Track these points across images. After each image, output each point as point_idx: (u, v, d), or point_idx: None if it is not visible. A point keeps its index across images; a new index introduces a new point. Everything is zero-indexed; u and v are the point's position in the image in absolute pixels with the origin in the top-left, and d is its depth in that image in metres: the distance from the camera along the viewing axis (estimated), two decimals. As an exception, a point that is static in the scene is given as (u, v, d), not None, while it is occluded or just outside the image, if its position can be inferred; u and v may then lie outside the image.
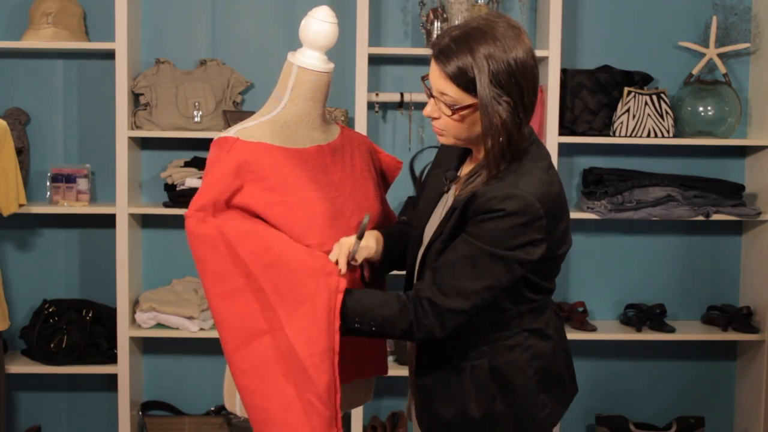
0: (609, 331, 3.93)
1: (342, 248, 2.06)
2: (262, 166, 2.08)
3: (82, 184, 3.80)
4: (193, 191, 3.64)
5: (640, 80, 3.90)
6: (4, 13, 3.88)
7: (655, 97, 3.82)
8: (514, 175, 1.94)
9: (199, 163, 3.77)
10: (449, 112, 1.96)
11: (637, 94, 3.81)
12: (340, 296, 1.97)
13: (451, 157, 2.17)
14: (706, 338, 3.95)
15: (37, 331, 3.74)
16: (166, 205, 3.77)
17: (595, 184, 3.90)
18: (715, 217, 3.84)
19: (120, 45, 3.61)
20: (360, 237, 2.07)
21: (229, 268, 2.00)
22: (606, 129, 3.88)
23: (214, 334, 3.62)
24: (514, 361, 2.04)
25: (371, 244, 2.14)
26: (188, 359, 4.03)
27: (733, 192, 3.90)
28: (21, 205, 3.58)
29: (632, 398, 4.13)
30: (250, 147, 2.09)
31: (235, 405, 2.26)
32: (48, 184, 3.84)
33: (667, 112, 3.84)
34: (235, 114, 3.65)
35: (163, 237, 3.96)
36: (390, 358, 3.81)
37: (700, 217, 3.83)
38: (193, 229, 2.02)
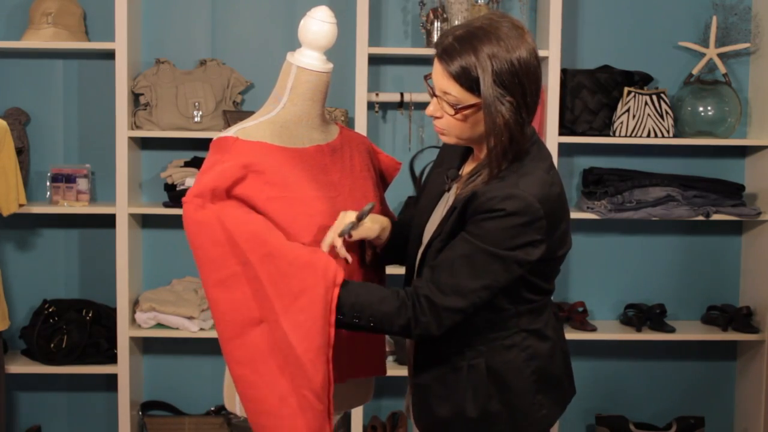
0: (609, 331, 3.93)
1: (339, 220, 2.07)
2: (263, 161, 2.08)
3: (82, 184, 3.80)
4: (193, 191, 3.64)
5: (640, 80, 3.90)
6: (4, 13, 3.88)
7: (655, 97, 3.82)
8: (515, 175, 1.94)
9: (199, 163, 3.77)
10: (452, 112, 1.96)
11: (637, 94, 3.81)
12: (337, 290, 1.96)
13: (453, 155, 2.17)
14: (706, 338, 3.95)
15: (37, 331, 3.75)
16: (166, 205, 3.77)
17: (595, 184, 3.90)
18: (715, 217, 3.84)
19: (120, 45, 3.61)
20: (359, 218, 2.07)
21: (226, 256, 1.98)
22: (606, 129, 3.88)
23: (214, 334, 3.62)
24: (511, 361, 2.04)
25: (373, 226, 2.14)
26: (188, 359, 4.03)
27: (733, 192, 3.90)
28: (21, 205, 3.58)
29: (632, 398, 4.13)
30: (250, 146, 2.09)
31: (235, 405, 2.25)
32: (48, 184, 3.84)
33: (667, 112, 3.84)
34: (235, 114, 3.65)
35: (163, 237, 3.96)
36: (390, 358, 3.81)
37: (700, 217, 3.83)
38: (191, 215, 2.00)
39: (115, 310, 3.78)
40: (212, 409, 3.98)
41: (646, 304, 4.02)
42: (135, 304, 3.81)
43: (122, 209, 3.67)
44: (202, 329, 3.74)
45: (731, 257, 4.09)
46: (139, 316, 3.76)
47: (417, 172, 3.95)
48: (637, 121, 3.81)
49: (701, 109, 3.86)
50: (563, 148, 3.87)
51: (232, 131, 2.12)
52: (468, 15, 3.77)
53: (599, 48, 4.00)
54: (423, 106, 3.93)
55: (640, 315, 3.95)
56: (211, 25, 3.94)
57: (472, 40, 1.92)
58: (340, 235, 2.06)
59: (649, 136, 3.83)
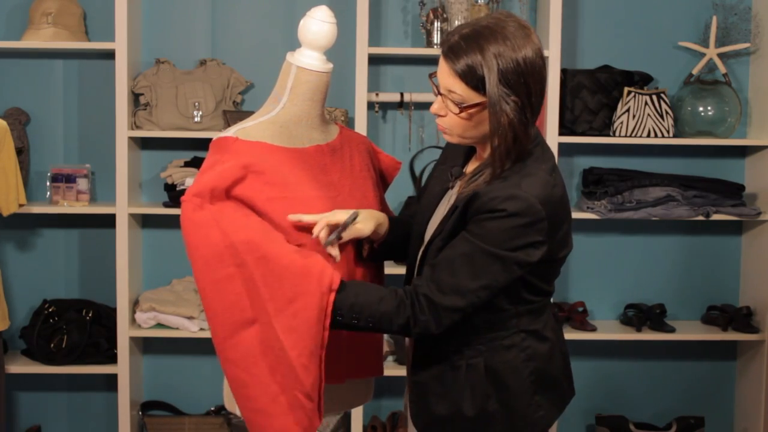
0: (609, 331, 3.93)
1: (327, 217, 2.06)
2: (263, 161, 2.08)
3: (82, 184, 3.80)
4: (193, 191, 3.64)
5: (640, 80, 3.90)
6: (4, 13, 3.88)
7: (655, 97, 3.82)
8: (518, 175, 1.94)
9: (199, 163, 3.77)
10: (456, 110, 1.96)
11: (637, 94, 3.81)
12: (333, 295, 1.96)
13: (457, 153, 2.17)
14: (706, 338, 3.95)
15: (37, 331, 3.75)
16: (166, 205, 3.77)
17: (595, 184, 3.90)
18: (715, 217, 3.84)
19: (120, 45, 3.61)
20: (347, 223, 2.06)
21: (221, 257, 1.98)
22: (606, 129, 3.88)
23: (214, 334, 3.62)
24: (509, 362, 2.03)
25: (365, 225, 2.13)
26: (188, 359, 4.03)
27: (733, 192, 3.90)
28: (21, 205, 3.58)
29: (632, 398, 4.13)
30: (250, 146, 2.09)
31: (234, 405, 2.26)
32: (48, 184, 3.84)
33: (667, 112, 3.84)
34: (235, 114, 3.65)
35: (163, 237, 3.96)
36: (389, 358, 3.82)
37: (700, 217, 3.83)
38: (188, 215, 2.00)
39: (115, 310, 3.78)
40: (212, 409, 3.98)
41: (646, 304, 4.02)
42: (135, 304, 3.81)
43: (122, 209, 3.67)
44: (202, 329, 3.75)
45: (731, 257, 4.08)
46: (139, 316, 3.76)
47: (417, 172, 3.95)
48: (637, 121, 3.81)
49: (701, 109, 3.86)
50: (563, 148, 3.87)
51: (231, 131, 2.12)
52: (468, 15, 3.77)
53: (599, 48, 4.00)
54: (423, 106, 3.93)
55: (640, 315, 3.95)
56: (211, 25, 3.94)
57: (478, 39, 1.91)
58: (325, 244, 2.05)
59: (649, 136, 3.83)
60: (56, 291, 3.96)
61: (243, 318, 2.00)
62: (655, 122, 3.82)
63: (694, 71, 3.91)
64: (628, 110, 3.80)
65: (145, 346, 4.01)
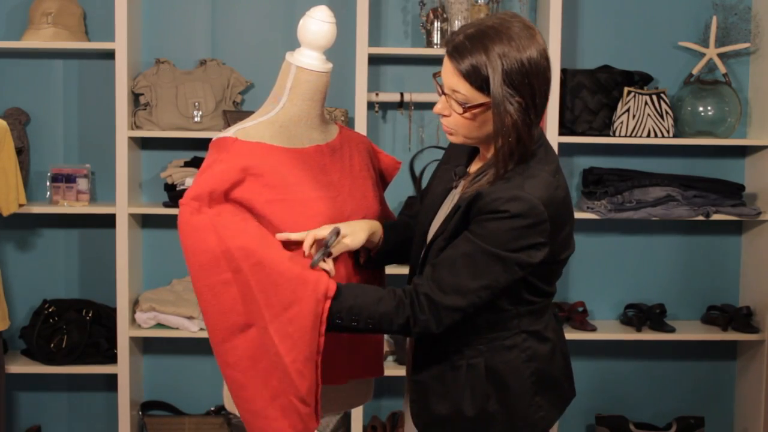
0: (609, 331, 3.93)
1: (313, 233, 2.05)
2: (262, 164, 2.07)
3: (82, 184, 3.80)
4: (193, 191, 3.64)
5: (640, 80, 3.90)
6: (4, 13, 3.88)
7: (655, 97, 3.82)
8: (521, 177, 1.93)
9: (199, 163, 3.77)
10: (460, 110, 1.95)
11: (637, 94, 3.81)
12: (329, 303, 1.96)
13: (460, 153, 2.16)
14: (706, 338, 3.95)
15: (37, 331, 3.75)
16: (166, 205, 3.77)
17: (595, 184, 3.90)
18: (715, 217, 3.84)
19: (120, 45, 3.61)
20: (328, 242, 2.05)
21: (217, 262, 1.98)
22: (606, 129, 3.88)
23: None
24: (510, 362, 2.03)
25: (354, 240, 2.12)
26: (188, 359, 4.03)
27: (733, 192, 3.90)
28: (21, 205, 3.58)
29: (632, 398, 4.13)
30: (250, 147, 2.09)
31: (234, 405, 2.26)
32: (48, 184, 3.84)
33: (667, 112, 3.84)
34: (235, 114, 3.65)
35: (163, 237, 3.96)
36: (390, 358, 3.82)
37: (700, 217, 3.83)
38: (186, 218, 2.00)
39: (115, 310, 3.78)
40: (212, 409, 3.98)
41: (646, 304, 4.02)
42: (135, 304, 3.81)
43: (122, 209, 3.67)
44: (202, 329, 3.74)
45: (731, 257, 4.08)
46: (139, 316, 3.76)
47: (417, 172, 3.95)
48: (637, 121, 3.81)
49: (701, 109, 3.86)
50: (563, 148, 3.87)
51: (231, 131, 2.12)
52: (468, 15, 3.77)
53: (599, 48, 4.00)
54: (423, 106, 3.93)
55: (640, 315, 3.95)
56: (211, 25, 3.94)
57: (483, 39, 1.91)
58: (314, 265, 2.04)
59: (649, 136, 3.82)
60: (56, 291, 3.96)
61: (238, 323, 2.00)
62: (655, 122, 3.82)
63: (694, 71, 3.91)
64: (628, 110, 3.80)
65: (145, 346, 4.01)
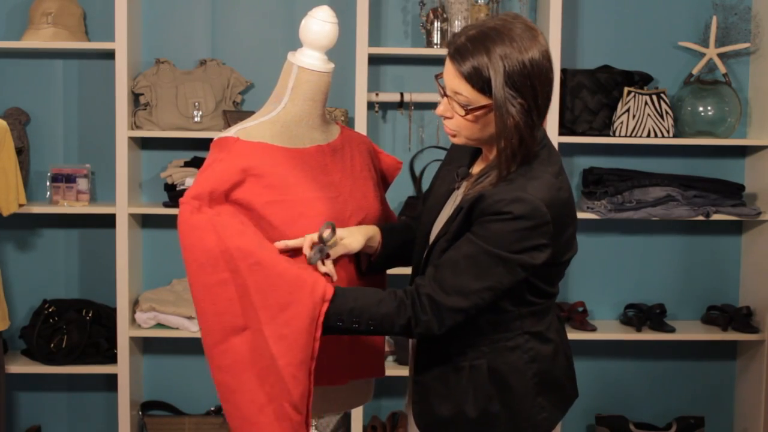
0: (609, 331, 3.93)
1: (311, 236, 2.06)
2: (263, 165, 2.07)
3: (82, 184, 3.80)
4: (193, 191, 3.64)
5: (640, 80, 3.90)
6: (3, 13, 3.88)
7: (655, 97, 3.82)
8: (524, 178, 1.93)
9: (199, 163, 3.77)
10: (462, 112, 1.95)
11: (637, 94, 3.81)
12: (326, 306, 1.96)
13: (462, 154, 2.16)
14: (706, 338, 3.95)
15: (37, 331, 3.75)
16: (166, 205, 3.77)
17: (595, 184, 3.90)
18: (715, 217, 3.84)
19: (120, 45, 3.61)
20: (321, 235, 2.05)
21: (215, 262, 1.97)
22: (606, 129, 3.88)
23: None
24: (513, 363, 2.03)
25: (353, 240, 2.13)
26: (188, 359, 4.03)
27: (733, 192, 3.90)
28: (21, 205, 3.58)
29: (632, 398, 4.13)
30: (251, 147, 2.09)
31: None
32: (48, 184, 3.84)
33: (667, 112, 3.84)
34: (235, 114, 3.65)
35: (163, 237, 3.96)
36: (390, 358, 3.82)
37: (700, 217, 3.83)
38: (186, 217, 2.00)
39: (115, 310, 3.78)
40: (212, 409, 3.98)
41: (646, 304, 4.02)
42: (135, 304, 3.81)
43: (122, 209, 3.67)
44: (202, 329, 3.74)
45: (731, 257, 4.09)
46: (139, 316, 3.75)
47: (417, 172, 3.95)
48: (637, 121, 3.81)
49: (701, 109, 3.86)
50: (563, 148, 3.87)
51: (232, 131, 2.12)
52: (468, 15, 3.77)
53: (599, 48, 4.00)
54: (423, 106, 3.93)
55: (640, 315, 3.95)
56: (211, 25, 3.93)
57: (484, 41, 1.90)
58: (311, 262, 2.05)
59: (649, 136, 3.83)
60: (56, 291, 3.96)
61: (234, 324, 2.00)
62: (655, 122, 3.82)
63: (694, 71, 3.91)
64: (628, 110, 3.80)
65: (145, 346, 4.01)
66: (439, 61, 3.91)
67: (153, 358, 4.03)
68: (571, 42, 3.97)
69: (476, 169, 2.10)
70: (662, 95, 3.84)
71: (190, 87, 3.78)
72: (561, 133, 3.78)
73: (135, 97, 3.81)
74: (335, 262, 2.14)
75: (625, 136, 3.82)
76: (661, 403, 4.14)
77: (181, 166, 3.78)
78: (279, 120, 2.17)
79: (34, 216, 3.89)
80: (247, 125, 2.15)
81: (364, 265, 2.24)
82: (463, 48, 1.92)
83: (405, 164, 3.94)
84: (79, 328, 3.76)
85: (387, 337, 3.70)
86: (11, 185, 3.50)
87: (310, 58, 2.16)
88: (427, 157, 3.95)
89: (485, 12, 3.76)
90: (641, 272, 4.09)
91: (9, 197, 3.51)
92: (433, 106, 3.91)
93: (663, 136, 3.84)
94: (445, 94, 1.98)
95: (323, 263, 2.11)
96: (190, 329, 3.74)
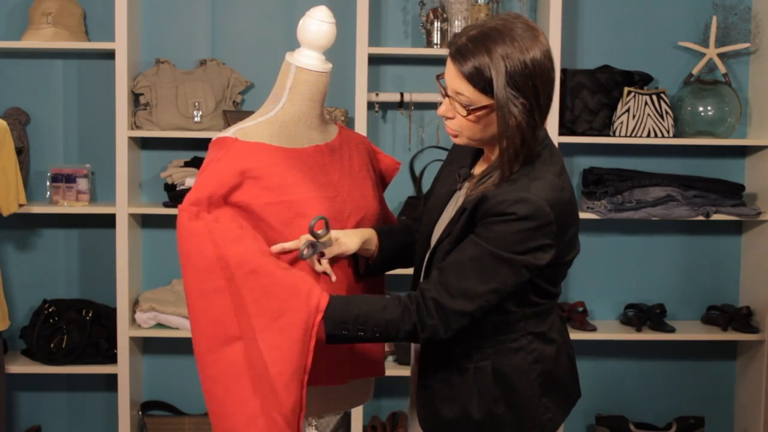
0: (609, 331, 3.93)
1: (306, 236, 2.06)
2: (261, 166, 2.07)
3: (82, 184, 3.80)
4: (193, 191, 3.64)
5: (640, 80, 3.90)
6: (3, 13, 3.88)
7: (655, 97, 3.82)
8: (526, 178, 1.93)
9: (199, 163, 3.77)
10: (464, 113, 1.94)
11: (637, 94, 3.81)
12: (320, 316, 1.95)
13: (464, 154, 2.15)
14: (706, 338, 3.95)
15: (37, 331, 3.75)
16: (166, 205, 3.77)
17: (595, 184, 3.90)
18: (715, 217, 3.84)
19: (120, 45, 3.61)
20: (311, 227, 2.04)
21: (212, 268, 1.98)
22: (606, 129, 3.88)
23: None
24: (517, 364, 2.02)
25: (349, 241, 2.13)
26: (188, 359, 4.03)
27: (733, 192, 3.90)
28: (21, 205, 3.58)
29: (632, 398, 4.13)
30: (249, 147, 2.09)
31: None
32: (48, 184, 3.84)
33: (667, 112, 3.84)
34: (235, 114, 3.65)
35: (163, 237, 3.96)
36: (390, 358, 3.82)
37: (700, 217, 3.83)
38: (184, 224, 2.00)
39: (115, 310, 3.78)
40: (212, 409, 3.97)
41: (646, 304, 4.02)
42: (135, 304, 3.81)
43: (122, 209, 3.67)
44: (202, 329, 3.74)
45: (731, 257, 4.08)
46: (139, 316, 3.76)
47: (417, 172, 3.95)
48: (637, 121, 3.81)
49: (701, 109, 3.86)
50: (563, 148, 3.87)
51: (231, 131, 2.12)
52: (468, 15, 3.77)
53: (599, 48, 4.00)
54: (423, 106, 3.93)
55: (640, 315, 3.95)
56: (211, 25, 3.94)
57: (485, 41, 1.89)
58: (305, 257, 2.05)
59: (649, 136, 3.82)
60: (56, 291, 3.96)
61: (228, 334, 1.99)
62: (655, 122, 3.82)
63: (694, 71, 3.91)
64: (628, 110, 3.80)
65: (145, 346, 4.01)
66: (439, 61, 3.92)
67: (153, 358, 4.03)
68: (571, 42, 3.97)
69: (478, 169, 2.10)
70: (662, 95, 3.84)
71: (190, 87, 3.78)
72: (561, 133, 3.78)
73: (135, 97, 3.81)
74: (333, 264, 2.14)
75: (625, 136, 3.82)
76: (661, 403, 4.13)
77: (181, 166, 3.78)
78: (277, 120, 2.17)
79: (34, 216, 3.89)
80: (245, 125, 2.15)
81: (362, 268, 2.23)
82: (464, 48, 1.91)
83: (405, 164, 3.94)
84: (79, 328, 3.76)
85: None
86: (11, 185, 3.51)
87: (308, 58, 2.16)
88: (427, 157, 3.95)
89: (485, 12, 3.76)
90: (641, 272, 4.09)
91: (9, 197, 3.51)
92: (433, 106, 3.91)
93: (663, 136, 3.83)
94: (446, 95, 1.98)
95: (319, 262, 2.11)
96: (190, 329, 3.73)
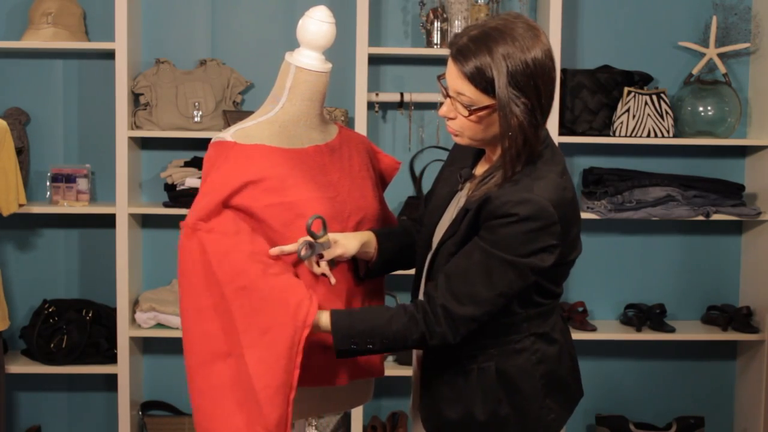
0: (609, 331, 3.93)
1: (304, 238, 2.07)
2: (261, 169, 2.08)
3: (82, 184, 3.80)
4: (193, 191, 3.65)
5: (640, 80, 3.90)
6: (3, 13, 3.88)
7: (655, 97, 3.82)
8: (529, 179, 1.92)
9: (199, 163, 3.77)
10: (466, 113, 1.94)
11: (637, 94, 3.81)
12: (307, 331, 1.96)
13: (465, 155, 2.14)
14: (706, 338, 3.95)
15: (37, 331, 3.75)
16: (166, 205, 3.77)
17: (595, 184, 3.90)
18: (715, 217, 3.84)
19: (120, 45, 3.61)
20: (309, 232, 2.05)
21: (204, 287, 2.01)
22: (606, 129, 3.88)
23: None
24: (521, 365, 2.02)
25: (349, 245, 2.13)
26: (188, 359, 4.03)
27: (733, 192, 3.90)
28: (21, 205, 3.58)
29: (632, 398, 4.13)
30: (248, 151, 2.09)
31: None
32: (48, 184, 3.84)
33: (667, 112, 3.84)
34: (235, 114, 3.65)
35: (163, 237, 3.96)
36: (390, 358, 3.81)
37: (700, 217, 3.83)
38: (182, 242, 2.05)
39: (115, 310, 3.78)
40: (212, 409, 3.97)
41: (646, 304, 4.02)
42: (135, 304, 3.81)
43: (122, 209, 3.67)
44: (202, 329, 3.74)
45: (731, 257, 4.08)
46: (139, 316, 3.76)
47: (417, 172, 3.95)
48: (637, 121, 3.81)
49: (701, 109, 3.86)
50: (563, 148, 3.85)
51: (230, 132, 2.12)
52: (468, 15, 3.77)
53: (599, 48, 4.00)
54: (423, 106, 3.93)
55: (640, 315, 3.95)
56: (211, 25, 3.94)
57: (486, 41, 1.89)
58: (303, 258, 2.05)
59: (649, 136, 3.82)
60: (56, 291, 3.96)
61: (218, 350, 2.02)
62: (655, 122, 3.82)
63: (694, 71, 3.91)
64: (628, 110, 3.80)
65: (145, 346, 4.01)
66: (439, 61, 3.92)
67: (153, 358, 4.03)
68: (571, 42, 3.97)
69: (479, 170, 2.09)
70: (662, 95, 3.84)
71: (190, 87, 3.78)
72: (561, 133, 3.78)
73: (135, 97, 3.81)
74: (333, 268, 2.14)
75: (625, 136, 3.82)
76: (661, 403, 4.13)
77: (181, 166, 3.78)
78: (277, 120, 2.17)
79: (34, 216, 3.89)
80: (245, 125, 2.15)
81: (362, 271, 2.23)
82: (465, 48, 1.91)
83: (405, 164, 3.94)
84: (79, 328, 3.76)
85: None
86: (11, 185, 3.51)
87: (307, 58, 2.16)
88: (427, 157, 3.95)
89: (485, 12, 3.76)
90: (641, 272, 4.08)
91: (9, 197, 3.51)
92: (433, 106, 3.91)
93: (663, 136, 3.83)
94: (447, 95, 1.97)
95: (318, 264, 2.11)
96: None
